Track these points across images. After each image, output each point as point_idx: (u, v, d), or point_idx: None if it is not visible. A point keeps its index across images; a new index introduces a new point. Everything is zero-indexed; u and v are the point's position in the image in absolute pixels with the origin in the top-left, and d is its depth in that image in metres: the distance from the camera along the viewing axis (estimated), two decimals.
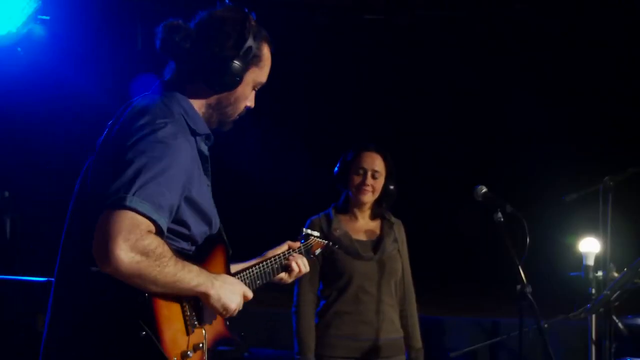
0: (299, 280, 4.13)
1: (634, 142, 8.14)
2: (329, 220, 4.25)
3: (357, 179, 4.21)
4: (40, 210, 7.81)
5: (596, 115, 8.65)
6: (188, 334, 2.49)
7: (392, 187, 4.29)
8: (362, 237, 4.26)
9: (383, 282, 4.19)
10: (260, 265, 2.98)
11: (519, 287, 3.69)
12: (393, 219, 4.34)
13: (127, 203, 2.28)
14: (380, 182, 4.25)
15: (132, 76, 7.04)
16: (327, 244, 3.47)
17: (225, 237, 2.74)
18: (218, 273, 2.62)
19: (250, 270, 2.93)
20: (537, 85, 8.82)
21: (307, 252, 3.31)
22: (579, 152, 8.46)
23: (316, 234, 3.39)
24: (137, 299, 2.36)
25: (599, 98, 8.65)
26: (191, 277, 2.43)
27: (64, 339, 2.47)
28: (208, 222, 2.63)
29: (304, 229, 3.40)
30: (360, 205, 4.26)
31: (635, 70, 8.35)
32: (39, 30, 6.47)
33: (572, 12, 8.40)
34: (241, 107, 2.75)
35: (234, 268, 2.85)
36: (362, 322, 4.16)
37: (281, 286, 3.20)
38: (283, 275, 3.10)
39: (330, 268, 4.19)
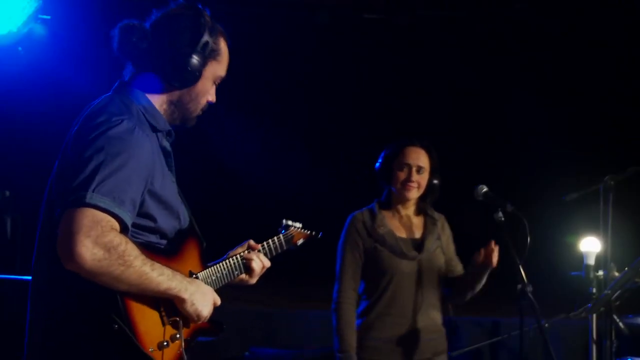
0: (340, 276, 4.09)
1: (634, 141, 8.15)
2: (373, 216, 4.15)
3: (402, 175, 4.11)
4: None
5: (596, 115, 8.66)
6: (164, 324, 2.49)
7: (436, 182, 4.17)
8: (406, 234, 4.16)
9: (426, 282, 4.08)
10: (221, 266, 2.91)
11: (519, 286, 3.69)
12: (436, 215, 4.24)
13: (87, 200, 2.31)
14: (425, 178, 4.13)
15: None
16: (311, 234, 3.41)
17: (197, 230, 2.75)
18: (192, 267, 2.65)
19: (212, 270, 2.86)
20: (537, 85, 8.82)
21: (288, 243, 3.26)
22: (579, 151, 8.46)
23: (298, 224, 3.33)
24: (108, 293, 2.36)
25: (599, 97, 8.66)
26: (161, 279, 2.44)
27: (42, 337, 2.49)
28: (176, 216, 2.63)
29: (285, 220, 3.33)
30: (404, 201, 4.16)
31: (636, 69, 8.35)
32: (39, 30, 6.47)
33: (572, 12, 8.41)
34: (202, 102, 2.76)
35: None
36: (404, 324, 4.05)
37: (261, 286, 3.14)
38: (244, 276, 3.03)
39: (373, 266, 4.09)
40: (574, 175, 6.46)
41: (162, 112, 2.68)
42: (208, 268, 2.82)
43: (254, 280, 3.06)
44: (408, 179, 4.09)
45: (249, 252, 3.03)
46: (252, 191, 9.13)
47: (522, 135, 8.77)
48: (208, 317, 2.62)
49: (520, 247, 3.74)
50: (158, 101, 2.68)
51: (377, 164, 4.22)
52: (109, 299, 2.36)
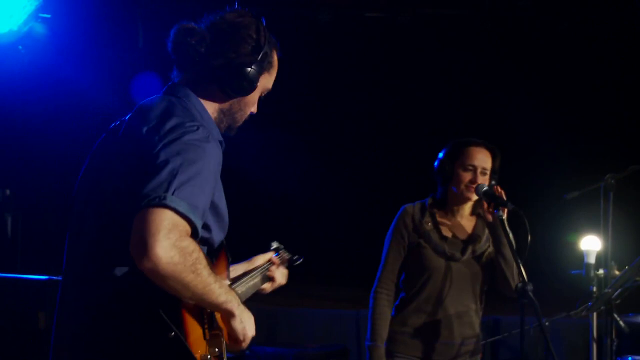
0: (382, 266, 4.05)
1: (635, 140, 8.15)
2: (423, 210, 4.06)
3: (467, 176, 3.98)
4: (41, 208, 7.82)
5: (597, 113, 8.65)
6: (205, 338, 2.46)
7: (493, 182, 4.04)
8: (454, 235, 4.07)
9: (466, 285, 4.02)
10: (250, 276, 2.93)
11: (520, 284, 3.68)
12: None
13: (167, 202, 2.25)
14: (487, 180, 4.01)
15: (133, 74, 7.05)
16: (292, 257, 3.32)
17: (225, 244, 2.72)
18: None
19: (243, 281, 2.88)
20: (538, 82, 8.81)
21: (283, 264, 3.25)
22: (580, 150, 8.45)
23: (281, 246, 3.29)
24: (167, 300, 2.33)
25: (600, 96, 8.65)
26: (221, 292, 2.41)
27: (83, 341, 2.43)
28: (225, 229, 2.60)
29: (273, 243, 3.27)
30: (463, 202, 4.06)
31: (637, 67, 8.34)
32: (40, 29, 6.46)
33: (573, 10, 8.39)
34: (248, 112, 2.74)
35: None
36: (440, 323, 3.99)
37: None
38: (266, 285, 3.04)
39: (414, 261, 4.03)
40: (574, 173, 6.46)
41: (213, 119, 2.65)
42: (234, 282, 2.81)
43: (270, 290, 3.08)
44: (473, 181, 3.98)
45: (273, 266, 3.06)
46: (253, 191, 9.13)
47: (522, 133, 8.76)
48: (251, 339, 2.58)
49: (521, 245, 3.74)
50: (210, 108, 2.63)
51: (437, 162, 4.10)
52: (168, 306, 2.33)
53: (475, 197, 3.99)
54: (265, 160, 9.07)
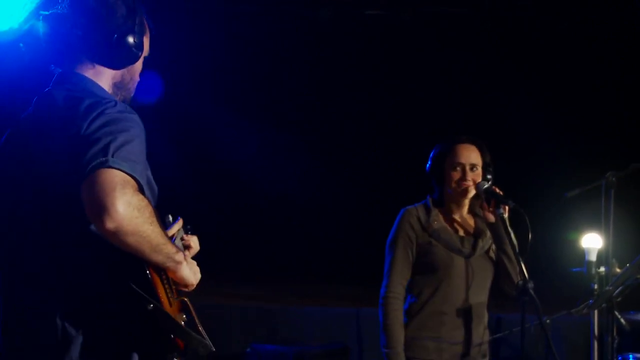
0: (390, 271, 3.99)
1: (636, 137, 8.15)
2: (428, 211, 4.03)
3: (456, 175, 3.97)
4: None
5: (598, 111, 8.66)
6: (170, 305, 2.44)
7: (489, 177, 4.01)
8: (462, 231, 4.04)
9: (481, 281, 3.99)
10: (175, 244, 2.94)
11: (521, 282, 3.68)
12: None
13: (110, 163, 2.24)
14: (479, 175, 3.98)
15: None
16: (185, 226, 3.35)
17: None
18: None
19: None
20: (538, 81, 8.82)
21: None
22: (580, 148, 8.46)
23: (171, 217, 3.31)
24: (133, 272, 2.31)
25: (601, 95, 8.66)
26: (170, 242, 2.41)
27: (61, 328, 2.38)
28: (155, 197, 2.57)
29: (168, 216, 3.29)
30: (460, 200, 4.03)
31: (637, 65, 8.35)
32: (41, 26, 6.46)
33: (573, 9, 8.40)
34: (137, 80, 2.68)
35: None
36: (459, 323, 3.94)
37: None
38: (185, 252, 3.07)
39: (427, 262, 3.97)
40: (575, 171, 6.47)
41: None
42: None
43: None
44: (463, 178, 3.97)
45: (187, 235, 2.97)
46: (252, 191, 9.13)
47: (523, 133, 8.77)
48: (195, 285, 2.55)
49: (522, 243, 3.74)
50: (105, 86, 2.58)
51: (428, 165, 4.09)
52: (137, 278, 2.32)
53: (471, 194, 3.99)
54: (265, 160, 9.08)
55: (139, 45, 2.58)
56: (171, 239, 2.80)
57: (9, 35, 5.92)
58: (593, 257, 4.94)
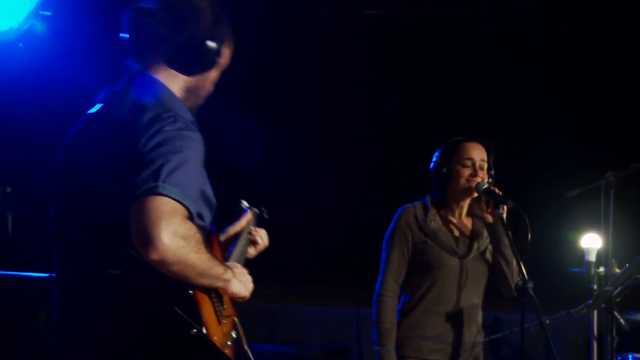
0: (385, 268, 3.99)
1: (636, 137, 8.15)
2: (426, 210, 4.03)
3: (467, 171, 3.96)
4: (42, 206, 7.81)
5: (598, 112, 8.66)
6: (220, 324, 2.45)
7: (490, 180, 4.00)
8: (460, 233, 4.04)
9: (473, 283, 3.99)
10: (240, 244, 2.95)
11: (520, 282, 3.67)
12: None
13: (160, 190, 2.24)
14: (485, 174, 3.99)
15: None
16: (261, 209, 3.36)
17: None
18: (217, 257, 2.59)
19: (236, 252, 2.90)
20: (539, 80, 8.82)
21: (255, 222, 3.27)
22: (580, 148, 8.46)
23: (246, 203, 3.31)
24: (178, 294, 2.31)
25: (601, 95, 8.66)
26: (217, 263, 2.41)
27: (95, 349, 2.40)
28: (213, 212, 2.58)
29: (242, 201, 3.30)
30: (465, 198, 4.02)
31: (638, 65, 8.35)
32: (40, 26, 6.45)
33: (573, 10, 8.41)
34: (210, 89, 2.68)
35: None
36: (451, 323, 3.95)
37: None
38: (251, 250, 3.07)
39: (421, 261, 3.97)
40: (575, 171, 6.47)
41: (180, 100, 2.60)
42: (224, 251, 2.83)
43: (255, 254, 3.10)
44: (474, 174, 3.96)
45: (255, 230, 3.09)
46: (252, 191, 9.10)
47: (522, 133, 8.76)
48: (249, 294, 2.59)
49: (521, 243, 3.73)
50: (176, 89, 2.57)
51: (433, 164, 4.08)
52: (181, 301, 2.31)
53: (475, 194, 3.99)
54: (265, 160, 9.07)
55: (217, 53, 2.57)
56: (236, 237, 2.92)
57: (9, 35, 5.92)
58: (592, 257, 4.94)
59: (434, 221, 4.01)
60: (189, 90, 2.60)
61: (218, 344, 2.36)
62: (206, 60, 2.57)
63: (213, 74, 2.64)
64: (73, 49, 7.50)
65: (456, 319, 3.96)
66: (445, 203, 4.07)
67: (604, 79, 8.59)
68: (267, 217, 3.39)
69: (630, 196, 5.40)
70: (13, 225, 7.16)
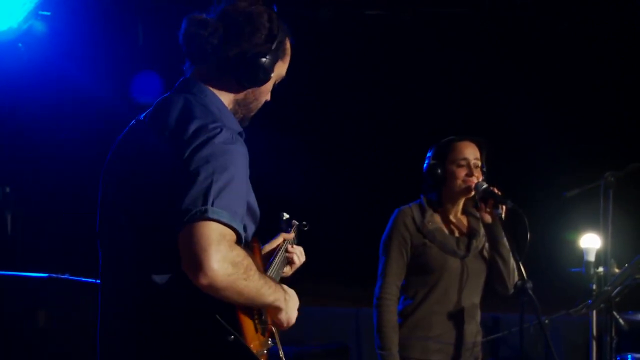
0: (384, 272, 3.99)
1: (635, 137, 8.15)
2: (423, 211, 4.03)
3: (462, 171, 3.97)
4: (42, 206, 7.81)
5: (597, 112, 8.65)
6: (257, 332, 2.47)
7: (483, 179, 4.03)
8: (458, 233, 4.06)
9: (472, 282, 4.00)
10: (276, 262, 2.95)
11: (519, 282, 3.68)
12: (477, 214, 4.09)
13: (209, 215, 2.24)
14: (479, 172, 4.01)
15: (133, 72, 7.05)
16: (301, 223, 3.36)
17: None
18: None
19: (272, 269, 2.90)
20: (539, 80, 8.81)
21: (296, 238, 3.27)
22: (579, 148, 8.45)
23: (287, 215, 3.32)
24: (222, 305, 2.32)
25: (600, 95, 8.65)
26: (270, 292, 2.42)
27: (139, 349, 2.42)
28: (256, 222, 2.60)
29: (283, 214, 3.31)
30: (461, 198, 4.04)
31: (637, 65, 8.34)
32: (39, 26, 6.46)
33: (573, 10, 8.40)
34: (262, 101, 2.70)
35: None
36: (452, 324, 3.96)
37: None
38: (286, 269, 3.06)
39: (422, 263, 3.98)
40: (574, 171, 6.46)
41: (229, 111, 2.61)
42: (264, 268, 2.83)
43: (290, 273, 3.09)
44: (469, 174, 3.97)
45: (290, 246, 3.08)
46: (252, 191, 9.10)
47: (522, 133, 8.76)
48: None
49: (520, 243, 3.74)
50: (226, 100, 2.59)
51: (426, 166, 4.09)
52: (223, 308, 2.33)
53: (472, 193, 3.98)
54: (265, 160, 9.06)
55: (268, 71, 2.57)
56: (273, 253, 2.94)
57: (8, 35, 5.93)
58: (592, 257, 4.95)
59: (432, 222, 4.00)
60: (239, 103, 2.63)
61: (254, 352, 2.38)
62: (257, 77, 2.58)
63: (265, 87, 2.66)
64: (72, 49, 7.49)
65: (457, 318, 3.97)
66: (440, 203, 4.06)
67: (604, 79, 8.57)
68: (305, 229, 3.40)
69: (629, 196, 5.40)
70: (12, 225, 7.16)
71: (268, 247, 3.06)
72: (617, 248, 4.85)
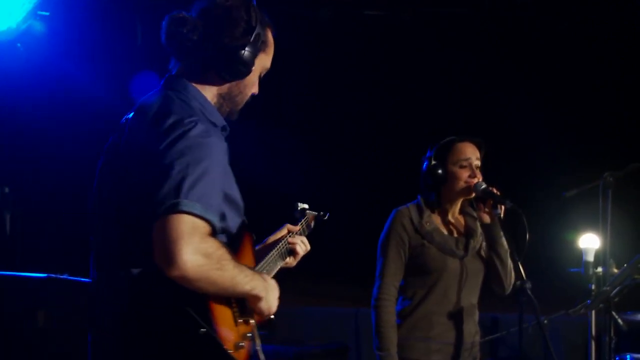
0: (382, 272, 3.98)
1: (634, 138, 8.15)
2: (421, 212, 4.02)
3: (465, 172, 3.96)
4: (40, 206, 7.81)
5: (597, 113, 8.65)
6: (236, 324, 2.49)
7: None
8: (456, 233, 4.05)
9: (471, 282, 3.99)
10: (272, 253, 2.97)
11: (518, 283, 3.68)
12: (474, 213, 4.10)
13: (182, 207, 2.28)
14: (480, 173, 3.99)
15: (132, 71, 7.04)
16: (319, 214, 3.35)
17: (247, 224, 2.73)
18: (248, 261, 2.65)
19: (267, 260, 2.92)
20: (539, 80, 8.81)
21: (309, 226, 3.28)
22: (578, 148, 8.45)
23: (306, 205, 3.32)
24: (193, 297, 2.35)
25: (600, 95, 8.65)
26: (246, 280, 2.45)
27: (118, 342, 2.47)
28: (241, 214, 2.63)
29: (298, 204, 3.31)
30: (456, 200, 4.02)
31: (636, 65, 8.34)
32: (38, 26, 6.46)
33: (573, 10, 8.40)
34: (249, 94, 2.74)
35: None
36: (451, 324, 3.95)
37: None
38: (289, 259, 3.08)
39: (420, 264, 3.97)
40: (574, 171, 6.46)
41: (213, 105, 2.67)
42: (260, 260, 2.86)
43: (295, 263, 3.11)
44: (472, 175, 3.95)
45: (292, 237, 3.09)
46: (252, 191, 9.08)
47: (522, 133, 8.75)
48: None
49: (519, 243, 3.73)
50: (209, 95, 2.64)
51: (426, 167, 4.06)
52: (195, 301, 2.36)
53: (472, 193, 3.98)
54: (265, 160, 9.06)
55: (249, 63, 2.62)
56: (275, 245, 2.97)
57: (7, 35, 5.93)
58: (591, 258, 4.95)
59: (430, 223, 4.00)
60: (223, 97, 2.68)
61: (229, 344, 2.40)
62: (238, 70, 2.63)
63: (249, 80, 2.70)
64: (71, 49, 7.49)
65: (456, 319, 3.96)
66: (439, 204, 4.05)
67: (604, 79, 8.57)
68: (325, 219, 3.40)
69: (628, 196, 5.40)
70: (11, 225, 7.16)
71: (272, 238, 3.08)
72: (616, 248, 4.84)
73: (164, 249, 2.26)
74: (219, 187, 2.43)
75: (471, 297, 4.01)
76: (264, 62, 2.72)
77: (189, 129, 2.41)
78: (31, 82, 7.32)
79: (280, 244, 3.04)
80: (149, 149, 2.41)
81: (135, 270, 2.41)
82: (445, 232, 4.02)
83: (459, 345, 3.96)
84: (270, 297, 2.57)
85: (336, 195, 9.33)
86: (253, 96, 2.78)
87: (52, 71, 7.47)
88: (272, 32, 2.74)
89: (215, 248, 2.32)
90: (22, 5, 5.96)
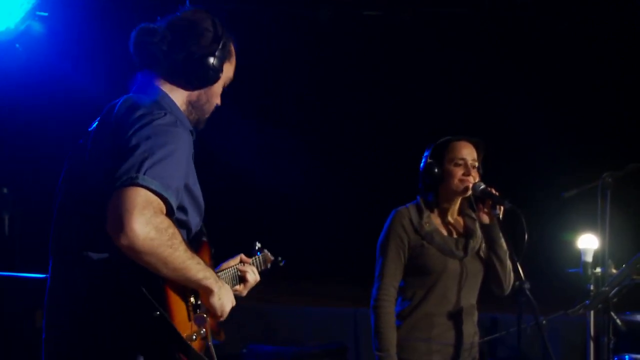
0: (382, 273, 3.97)
1: (633, 138, 8.15)
2: (420, 212, 4.01)
3: (459, 170, 3.95)
4: (39, 206, 7.81)
5: (596, 113, 8.65)
6: (190, 320, 2.54)
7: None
8: (455, 233, 4.04)
9: (470, 283, 3.98)
10: (222, 274, 3.02)
11: (517, 283, 3.67)
12: (473, 214, 4.09)
13: (139, 181, 2.35)
14: (477, 173, 3.99)
15: (130, 72, 7.05)
16: (276, 259, 3.45)
17: (207, 236, 2.81)
18: None
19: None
20: (539, 80, 8.81)
21: (264, 263, 3.36)
22: (578, 148, 8.45)
23: (259, 245, 3.41)
24: (149, 279, 2.40)
25: (600, 95, 8.65)
26: (199, 268, 2.49)
27: (72, 324, 2.51)
28: (200, 214, 2.69)
29: (257, 243, 3.38)
30: (458, 197, 4.02)
31: (635, 65, 8.35)
32: (37, 27, 6.46)
33: (573, 10, 8.40)
34: (214, 103, 2.84)
35: None
36: (451, 325, 3.94)
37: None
38: (238, 287, 3.12)
39: (419, 264, 3.95)
40: (572, 172, 6.46)
41: (182, 112, 2.76)
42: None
43: (245, 293, 3.15)
44: (466, 174, 3.95)
45: (243, 265, 3.14)
46: (252, 191, 9.12)
47: (522, 133, 8.76)
48: (228, 314, 2.67)
49: (518, 244, 3.73)
50: (179, 101, 2.74)
51: (423, 166, 4.06)
52: (151, 285, 2.41)
53: (470, 193, 3.98)
54: (265, 160, 9.07)
55: (217, 69, 2.74)
56: (227, 268, 3.01)
57: (6, 35, 5.94)
58: (589, 258, 4.94)
59: (429, 223, 3.99)
60: (192, 104, 2.78)
61: (182, 334, 2.45)
62: (207, 75, 2.73)
63: (216, 89, 2.81)
64: (70, 49, 7.50)
65: (456, 319, 3.95)
66: (437, 203, 4.05)
67: (604, 79, 8.58)
68: (282, 264, 3.50)
69: (627, 197, 5.40)
70: (10, 226, 7.17)
71: (225, 265, 3.13)
72: (615, 249, 4.84)
73: (116, 217, 2.31)
74: (181, 174, 2.50)
75: (470, 298, 4.01)
76: (228, 72, 2.83)
77: (157, 118, 2.51)
78: (30, 82, 7.33)
79: (230, 268, 3.09)
80: (115, 139, 2.49)
81: (94, 255, 2.47)
82: (444, 232, 4.02)
83: (459, 345, 3.96)
84: (223, 295, 2.61)
85: (336, 195, 9.34)
86: (217, 107, 2.87)
87: (51, 71, 7.48)
88: (234, 45, 2.85)
89: (167, 225, 2.37)
90: (20, 6, 5.96)
